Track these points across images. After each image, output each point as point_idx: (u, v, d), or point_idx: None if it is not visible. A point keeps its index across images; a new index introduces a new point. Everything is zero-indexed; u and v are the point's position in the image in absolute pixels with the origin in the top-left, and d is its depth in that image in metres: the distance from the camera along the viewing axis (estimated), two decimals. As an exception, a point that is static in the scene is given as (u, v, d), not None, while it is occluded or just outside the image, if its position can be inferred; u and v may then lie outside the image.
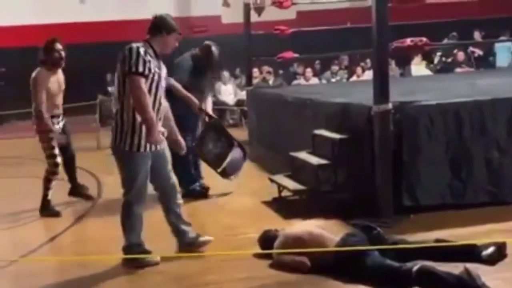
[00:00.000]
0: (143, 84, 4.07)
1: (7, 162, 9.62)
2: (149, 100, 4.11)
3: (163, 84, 4.31)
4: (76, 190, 6.46)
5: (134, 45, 4.14)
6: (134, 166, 4.23)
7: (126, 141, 4.18)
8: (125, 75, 4.10)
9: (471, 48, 13.16)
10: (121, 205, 4.35)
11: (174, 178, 4.51)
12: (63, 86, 6.11)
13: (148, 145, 4.21)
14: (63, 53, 5.95)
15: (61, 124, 6.14)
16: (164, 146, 4.39)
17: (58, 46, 5.95)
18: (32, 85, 5.91)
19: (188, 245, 4.50)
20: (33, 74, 5.94)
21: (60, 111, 6.14)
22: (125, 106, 4.17)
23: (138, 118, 4.14)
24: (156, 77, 4.18)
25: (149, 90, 4.13)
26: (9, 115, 14.98)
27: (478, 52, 13.19)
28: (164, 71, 4.36)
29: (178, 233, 4.54)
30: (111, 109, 12.69)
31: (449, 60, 13.26)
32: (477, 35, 12.91)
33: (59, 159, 6.02)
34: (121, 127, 4.19)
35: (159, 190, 4.49)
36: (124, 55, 4.12)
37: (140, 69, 4.06)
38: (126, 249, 4.33)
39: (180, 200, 4.56)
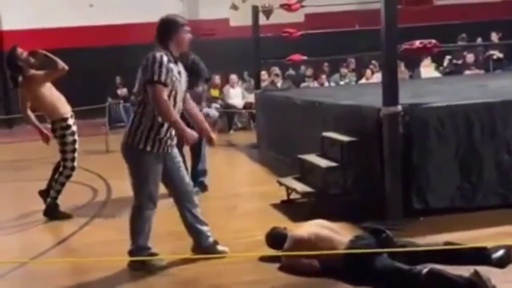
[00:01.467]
0: (165, 93, 4.09)
1: (17, 165, 9.67)
2: (171, 107, 4.14)
3: (183, 88, 4.32)
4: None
5: (158, 53, 4.14)
6: (146, 166, 4.22)
7: (140, 141, 4.18)
8: (147, 83, 4.11)
9: (490, 51, 13.03)
10: (132, 208, 4.34)
11: (188, 180, 4.52)
12: None
13: (160, 147, 4.23)
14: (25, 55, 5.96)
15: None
16: (174, 148, 4.40)
17: (20, 50, 6.04)
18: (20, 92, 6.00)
19: (205, 250, 4.45)
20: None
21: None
22: (145, 110, 4.19)
23: (156, 122, 4.17)
24: (176, 85, 4.20)
25: (169, 96, 4.15)
26: (18, 118, 15.06)
27: (498, 54, 13.06)
28: (184, 75, 4.36)
29: (195, 234, 4.50)
30: (120, 112, 12.74)
31: (459, 62, 13.18)
32: (494, 37, 12.78)
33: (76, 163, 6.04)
34: (137, 128, 4.20)
35: (173, 193, 4.46)
36: (147, 62, 4.13)
37: (163, 78, 4.08)
38: (133, 252, 4.31)
39: (197, 201, 4.54)
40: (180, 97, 4.28)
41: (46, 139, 6.07)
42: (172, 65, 4.17)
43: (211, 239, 4.51)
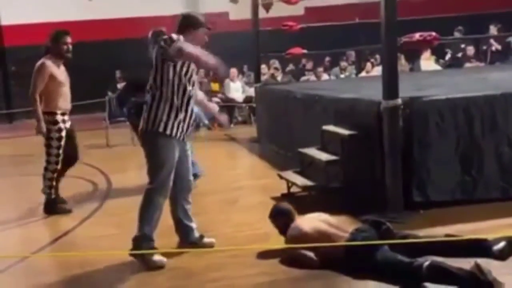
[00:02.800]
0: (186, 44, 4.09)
1: (18, 160, 9.68)
2: (198, 49, 4.15)
3: (194, 78, 4.36)
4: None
5: (174, 34, 4.19)
6: (165, 150, 4.21)
7: (160, 125, 4.19)
8: (165, 52, 4.10)
9: (491, 41, 12.99)
10: (144, 193, 4.29)
11: (191, 175, 4.54)
12: (68, 80, 6.07)
13: (178, 132, 4.24)
14: (70, 47, 5.91)
15: (67, 124, 6.02)
16: (188, 141, 4.45)
17: (68, 39, 5.92)
18: (34, 72, 5.80)
19: (191, 244, 4.50)
20: (37, 63, 5.85)
21: (70, 106, 6.10)
22: (163, 94, 4.20)
23: (174, 105, 4.20)
24: (191, 69, 4.23)
25: (184, 76, 4.20)
26: (19, 113, 15.08)
27: (496, 46, 13.04)
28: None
29: (183, 229, 4.52)
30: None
31: (459, 55, 13.15)
32: (493, 29, 12.75)
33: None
34: (156, 112, 4.20)
35: (174, 184, 4.40)
36: (163, 39, 4.15)
37: (181, 45, 4.08)
38: (137, 240, 4.25)
39: (190, 198, 4.55)
40: (194, 83, 4.33)
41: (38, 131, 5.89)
42: None
43: (197, 234, 4.55)
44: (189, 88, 4.28)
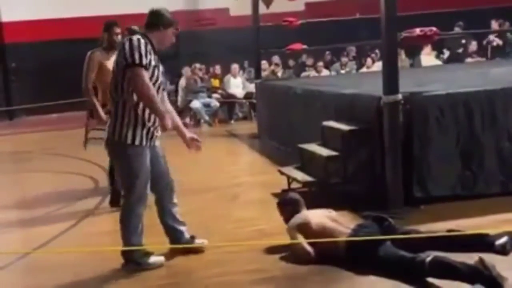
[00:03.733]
0: (146, 76, 3.90)
1: (17, 157, 9.68)
2: (154, 91, 3.94)
3: (162, 79, 4.18)
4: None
5: (135, 37, 3.98)
6: (136, 159, 4.02)
7: (127, 135, 3.99)
8: (126, 68, 3.92)
9: (491, 37, 12.97)
10: (122, 207, 4.18)
11: (170, 176, 4.35)
12: None
13: (147, 139, 4.06)
14: (119, 38, 5.81)
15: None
16: (158, 142, 4.25)
17: (117, 30, 5.87)
18: (86, 63, 5.81)
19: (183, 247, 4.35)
20: (88, 53, 5.86)
21: None
22: (127, 101, 3.98)
23: (140, 113, 4.00)
24: (156, 72, 4.03)
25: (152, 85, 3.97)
26: (19, 110, 15.09)
27: (497, 41, 13.00)
28: (161, 67, 4.18)
29: (173, 234, 4.37)
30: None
31: (459, 50, 13.12)
32: (494, 24, 12.72)
33: None
34: (121, 122, 4.00)
35: (154, 188, 4.26)
36: (124, 47, 3.95)
37: (143, 61, 3.89)
38: (128, 254, 4.11)
39: (175, 200, 4.38)
40: (161, 87, 4.14)
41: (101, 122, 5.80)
42: (150, 50, 3.99)
43: (187, 235, 4.41)
44: (159, 94, 4.08)
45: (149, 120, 4.05)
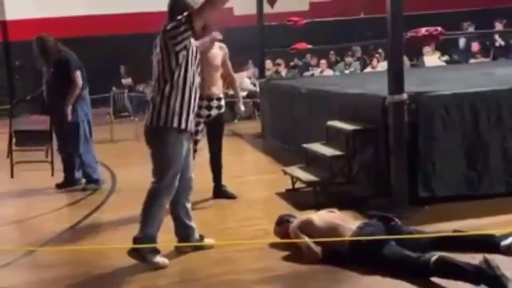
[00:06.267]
0: None
1: (21, 154, 9.66)
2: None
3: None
4: None
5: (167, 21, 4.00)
6: (174, 148, 4.01)
7: (174, 120, 3.99)
8: (173, 42, 3.90)
9: (496, 37, 12.94)
10: (148, 193, 4.10)
11: (191, 172, 4.37)
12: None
13: (191, 125, 4.09)
14: None
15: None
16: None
17: None
18: None
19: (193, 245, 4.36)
20: None
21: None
22: (174, 85, 3.99)
23: (186, 98, 4.02)
24: (196, 54, 4.07)
25: (194, 62, 4.04)
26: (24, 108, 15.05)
27: (500, 42, 12.98)
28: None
29: (185, 230, 4.34)
30: (124, 101, 12.73)
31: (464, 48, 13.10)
32: (498, 25, 12.70)
33: None
34: (167, 106, 3.99)
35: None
36: (165, 27, 3.96)
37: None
38: (139, 240, 4.05)
39: (190, 196, 4.39)
40: (195, 68, 4.10)
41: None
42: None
43: (197, 235, 4.40)
44: (197, 76, 4.13)
45: (193, 101, 4.07)
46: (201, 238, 4.43)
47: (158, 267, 4.10)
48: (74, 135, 6.62)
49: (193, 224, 4.40)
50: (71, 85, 6.55)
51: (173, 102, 4.02)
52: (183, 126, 4.04)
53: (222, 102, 5.68)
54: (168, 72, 4.02)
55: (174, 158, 4.05)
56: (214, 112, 5.63)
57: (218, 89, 5.64)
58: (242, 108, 6.25)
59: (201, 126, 5.56)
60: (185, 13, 3.95)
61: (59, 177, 6.91)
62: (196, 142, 5.49)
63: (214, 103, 5.61)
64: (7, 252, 4.54)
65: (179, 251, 4.36)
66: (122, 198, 6.26)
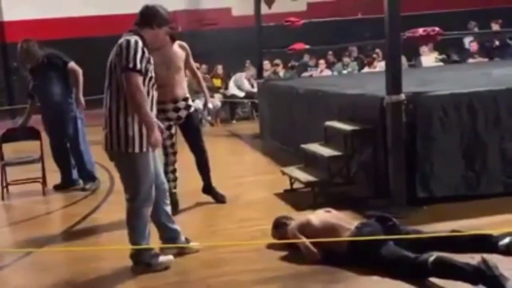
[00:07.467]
0: (141, 82, 3.75)
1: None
2: (147, 99, 3.80)
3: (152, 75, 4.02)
4: None
5: (132, 38, 3.80)
6: (143, 167, 3.90)
7: (135, 144, 3.85)
8: (121, 71, 3.76)
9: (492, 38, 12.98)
10: (128, 210, 4.02)
11: (164, 177, 4.29)
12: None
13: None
14: None
15: None
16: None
17: None
18: None
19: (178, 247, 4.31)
20: None
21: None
22: (128, 107, 3.82)
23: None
24: (152, 75, 3.90)
25: (147, 91, 3.84)
26: (21, 109, 15.02)
27: (496, 42, 13.01)
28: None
29: (170, 234, 4.28)
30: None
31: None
32: (494, 26, 12.74)
33: None
34: (125, 130, 3.83)
35: None
36: (121, 48, 3.78)
37: (138, 66, 3.73)
38: (137, 256, 4.05)
39: (168, 200, 4.30)
40: (155, 86, 3.97)
41: None
42: (146, 53, 3.83)
43: (183, 237, 4.35)
44: (152, 93, 3.93)
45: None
46: (187, 241, 4.37)
47: (166, 266, 4.10)
48: (73, 128, 6.71)
49: (176, 226, 4.33)
50: (67, 77, 6.56)
51: (130, 124, 3.85)
52: (144, 149, 3.88)
53: (190, 102, 5.56)
54: (115, 90, 3.88)
55: (145, 175, 3.94)
56: (182, 113, 5.47)
57: (182, 89, 5.50)
58: (210, 106, 6.20)
59: (174, 129, 5.47)
60: (126, 64, 3.74)
61: (57, 178, 6.91)
62: (173, 145, 5.45)
63: (181, 104, 5.46)
64: (6, 253, 4.53)
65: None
66: (120, 199, 6.23)
